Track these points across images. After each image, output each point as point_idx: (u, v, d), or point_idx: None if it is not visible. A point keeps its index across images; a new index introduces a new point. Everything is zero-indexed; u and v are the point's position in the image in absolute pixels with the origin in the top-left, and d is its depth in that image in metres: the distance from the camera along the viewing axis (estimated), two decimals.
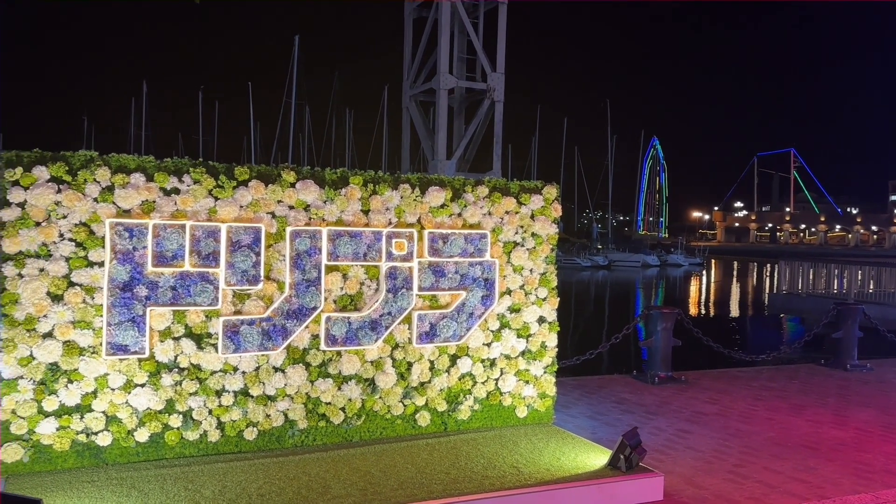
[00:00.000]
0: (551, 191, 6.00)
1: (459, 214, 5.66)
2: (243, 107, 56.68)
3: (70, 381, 4.56)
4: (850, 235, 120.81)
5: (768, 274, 58.68)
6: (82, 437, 4.61)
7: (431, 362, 5.62)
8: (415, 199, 5.50)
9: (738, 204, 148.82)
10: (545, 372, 6.01)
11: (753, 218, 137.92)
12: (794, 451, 6.00)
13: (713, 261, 76.87)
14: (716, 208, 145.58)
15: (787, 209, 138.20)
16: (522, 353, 5.93)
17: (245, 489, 4.32)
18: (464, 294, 5.66)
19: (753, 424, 6.83)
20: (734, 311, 32.27)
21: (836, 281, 20.41)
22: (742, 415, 7.18)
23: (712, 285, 50.61)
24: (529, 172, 60.87)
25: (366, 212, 5.36)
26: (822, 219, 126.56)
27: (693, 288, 47.07)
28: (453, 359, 5.69)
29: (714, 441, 6.24)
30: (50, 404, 4.52)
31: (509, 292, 5.86)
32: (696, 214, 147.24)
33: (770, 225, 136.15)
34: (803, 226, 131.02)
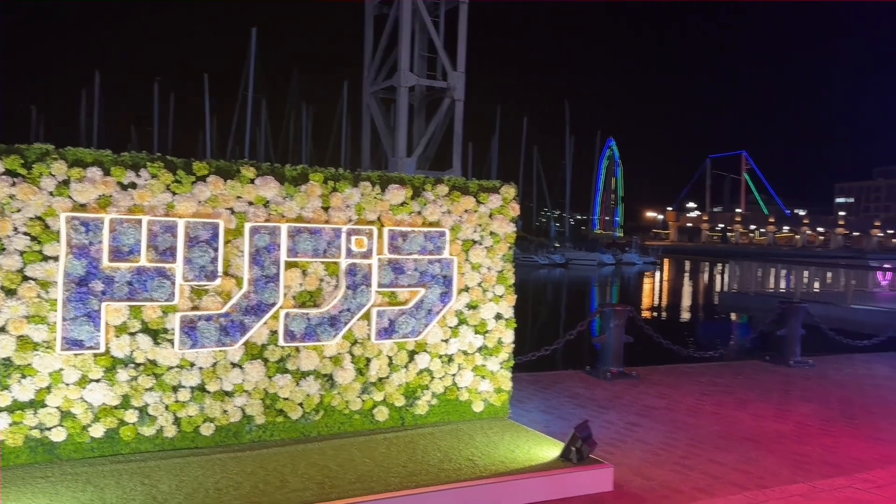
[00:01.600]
0: (509, 190, 6.13)
1: (419, 212, 5.74)
2: (199, 99, 55.72)
3: (24, 377, 4.51)
4: (797, 236, 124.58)
5: (718, 273, 60.17)
6: (36, 433, 4.57)
7: (390, 358, 5.69)
8: (375, 197, 5.56)
9: (691, 204, 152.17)
10: (501, 367, 6.14)
11: (705, 218, 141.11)
12: (738, 443, 6.25)
13: (666, 260, 78.47)
14: (669, 209, 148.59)
15: (738, 210, 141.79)
16: (479, 349, 6.04)
17: (202, 484, 4.34)
18: (423, 291, 5.75)
19: (700, 418, 7.08)
20: (685, 310, 33.06)
21: (782, 280, 21.11)
22: (689, 409, 7.43)
23: (665, 284, 51.68)
24: (489, 172, 61.21)
25: (326, 209, 5.40)
26: (772, 220, 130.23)
27: (646, 286, 48.00)
28: (411, 355, 5.77)
29: (662, 434, 6.46)
30: (2, 400, 4.47)
31: (467, 289, 5.97)
32: (651, 214, 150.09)
33: (721, 225, 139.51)
34: (753, 226, 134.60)
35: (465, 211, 5.93)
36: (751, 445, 6.18)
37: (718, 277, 55.73)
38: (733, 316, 24.56)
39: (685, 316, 30.45)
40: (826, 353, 11.27)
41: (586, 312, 29.75)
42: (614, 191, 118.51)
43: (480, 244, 6.01)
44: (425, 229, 5.75)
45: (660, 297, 39.77)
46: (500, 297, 6.10)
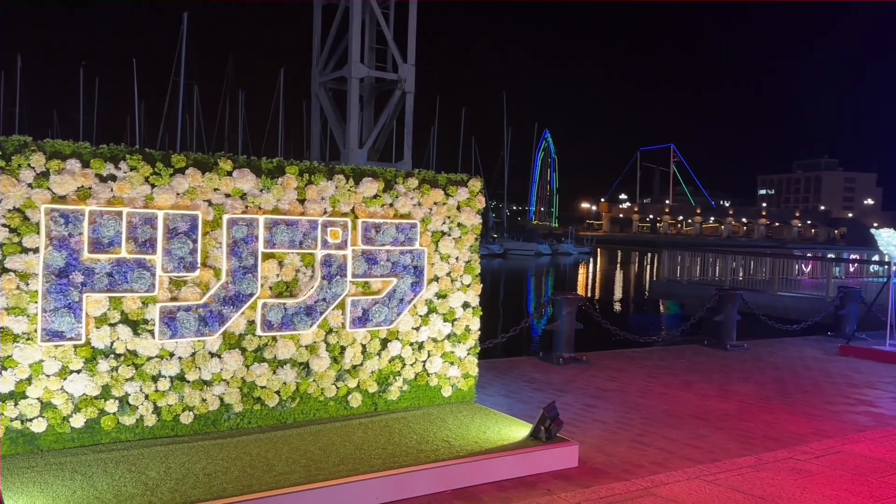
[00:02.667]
0: (476, 183, 6.37)
1: (391, 205, 5.92)
2: (127, 85, 53.84)
3: (4, 368, 4.50)
4: (722, 227, 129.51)
5: (649, 262, 62.18)
6: (16, 424, 4.56)
7: (363, 346, 5.87)
8: (349, 190, 5.71)
9: (623, 196, 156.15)
10: (468, 354, 6.39)
11: (636, 209, 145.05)
12: (687, 421, 6.69)
13: (599, 250, 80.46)
14: (602, 200, 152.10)
15: (667, 201, 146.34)
16: (448, 337, 6.28)
17: (190, 470, 4.44)
18: (395, 281, 5.94)
19: (650, 399, 7.52)
20: (622, 298, 34.12)
21: (711, 269, 22.09)
22: (639, 390, 7.87)
23: (601, 273, 53.06)
24: (428, 162, 61.36)
25: (301, 201, 5.52)
26: (698, 211, 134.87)
27: (585, 276, 49.19)
28: (384, 342, 5.96)
29: (617, 414, 6.85)
30: None
31: (437, 279, 6.19)
32: (585, 205, 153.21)
33: (651, 216, 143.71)
34: (681, 217, 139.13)
35: (435, 203, 6.14)
36: (699, 423, 6.63)
37: (650, 267, 57.61)
38: (668, 303, 25.56)
39: (624, 303, 31.45)
40: (759, 337, 11.99)
41: (526, 301, 30.39)
42: (549, 182, 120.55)
43: (449, 235, 6.24)
44: (397, 221, 5.93)
45: (598, 286, 40.87)
46: (468, 286, 6.35)
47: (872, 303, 11.98)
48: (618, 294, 36.46)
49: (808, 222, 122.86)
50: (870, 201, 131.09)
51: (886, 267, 17.65)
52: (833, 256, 23.95)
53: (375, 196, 5.84)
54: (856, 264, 22.57)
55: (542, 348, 9.99)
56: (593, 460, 5.44)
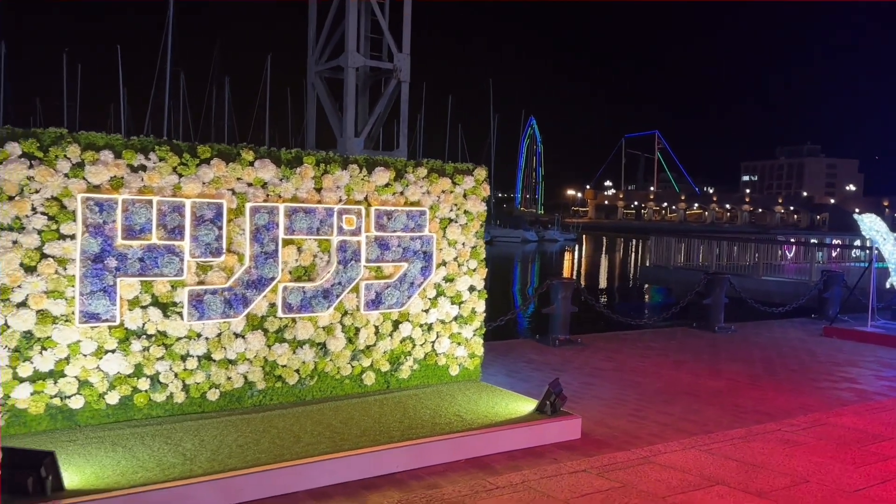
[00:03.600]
0: (481, 172, 6.67)
1: (402, 193, 6.21)
2: (111, 71, 53.40)
3: (44, 349, 4.77)
4: (706, 213, 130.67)
5: (634, 249, 62.82)
6: (56, 401, 4.84)
7: (376, 327, 6.17)
8: (362, 179, 5.99)
9: (608, 183, 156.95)
10: (474, 334, 6.72)
11: (621, 196, 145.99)
12: (680, 397, 7.07)
13: (585, 237, 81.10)
14: (588, 186, 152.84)
15: (652, 188, 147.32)
16: (455, 318, 6.60)
17: (223, 441, 4.74)
18: (405, 265, 6.24)
19: (644, 377, 7.89)
20: (610, 283, 34.64)
21: (696, 255, 22.56)
22: (633, 370, 8.25)
23: (588, 259, 53.60)
24: (416, 150, 61.42)
25: (318, 189, 5.80)
26: (682, 197, 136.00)
27: (571, 262, 49.70)
28: (396, 324, 6.27)
29: (614, 391, 7.21)
30: (24, 370, 4.71)
31: (444, 264, 6.50)
32: (570, 192, 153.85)
33: (636, 203, 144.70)
34: (665, 203, 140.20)
35: (443, 191, 6.44)
36: (692, 399, 7.01)
37: (635, 253, 58.24)
38: (655, 288, 26.07)
39: (613, 288, 31.96)
40: (745, 319, 12.42)
41: (520, 286, 30.80)
42: (535, 169, 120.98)
43: (456, 222, 6.55)
44: (407, 209, 6.23)
45: (586, 272, 41.37)
46: (474, 270, 6.67)
47: (854, 286, 12.44)
48: (606, 279, 36.97)
49: (791, 208, 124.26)
50: (851, 187, 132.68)
51: (868, 251, 18.18)
52: (816, 241, 24.51)
53: (387, 185, 6.12)
54: (838, 249, 23.11)
55: (538, 331, 10.35)
56: (595, 433, 5.80)
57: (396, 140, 15.83)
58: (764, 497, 4.49)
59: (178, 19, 51.06)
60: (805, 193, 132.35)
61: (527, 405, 5.87)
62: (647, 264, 24.32)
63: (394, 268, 6.22)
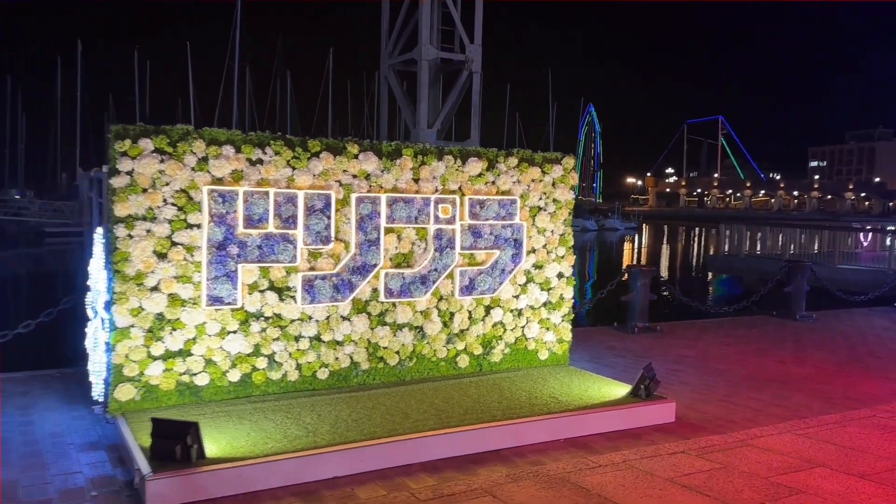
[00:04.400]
0: (569, 161, 6.83)
1: (493, 182, 6.43)
2: (178, 67, 55.11)
3: (174, 329, 5.17)
4: (773, 200, 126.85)
5: (697, 237, 61.60)
6: (185, 378, 5.24)
7: (470, 312, 6.42)
8: (457, 169, 6.23)
9: (669, 170, 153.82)
10: (563, 320, 6.90)
11: (683, 183, 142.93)
12: (768, 384, 7.10)
13: (646, 225, 79.89)
14: (648, 174, 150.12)
15: (715, 175, 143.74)
16: (544, 304, 6.79)
17: (338, 416, 5.07)
18: (497, 253, 6.46)
19: (729, 364, 7.93)
20: (676, 271, 34.18)
21: (766, 243, 22.08)
22: (718, 357, 8.29)
23: (649, 248, 52.87)
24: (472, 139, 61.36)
25: (416, 180, 6.06)
26: (748, 184, 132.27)
27: (636, 251, 49.13)
28: (487, 309, 6.50)
29: (701, 378, 7.29)
30: (157, 349, 5.13)
31: (534, 251, 6.69)
32: (630, 180, 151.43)
33: (699, 190, 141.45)
34: (730, 191, 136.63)
35: (532, 180, 6.62)
36: (780, 386, 7.04)
37: (699, 241, 57.13)
38: (725, 276, 25.64)
39: (679, 277, 31.56)
40: (824, 308, 12.22)
41: (590, 275, 30.71)
42: (594, 157, 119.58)
43: (545, 210, 6.72)
44: (499, 197, 6.44)
45: (647, 261, 40.86)
46: (562, 257, 6.84)
47: None
48: (673, 269, 36.47)
49: (863, 194, 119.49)
50: None
51: None
52: (893, 228, 23.67)
53: (479, 174, 6.34)
54: None
55: (606, 320, 10.42)
56: (688, 417, 5.92)
57: (454, 131, 16.00)
58: (866, 479, 4.56)
59: (244, 17, 52.29)
60: (877, 179, 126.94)
61: (618, 389, 6.03)
62: (716, 252, 23.97)
63: (486, 255, 6.44)
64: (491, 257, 6.46)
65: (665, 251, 49.93)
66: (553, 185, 6.75)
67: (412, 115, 14.82)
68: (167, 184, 5.10)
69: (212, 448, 4.38)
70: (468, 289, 6.36)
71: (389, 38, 15.35)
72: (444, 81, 16.05)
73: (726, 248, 23.00)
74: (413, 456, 4.69)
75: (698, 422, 5.81)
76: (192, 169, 5.17)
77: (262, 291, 5.46)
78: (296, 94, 59.31)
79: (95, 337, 5.57)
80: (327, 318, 5.74)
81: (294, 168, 5.51)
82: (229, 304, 5.31)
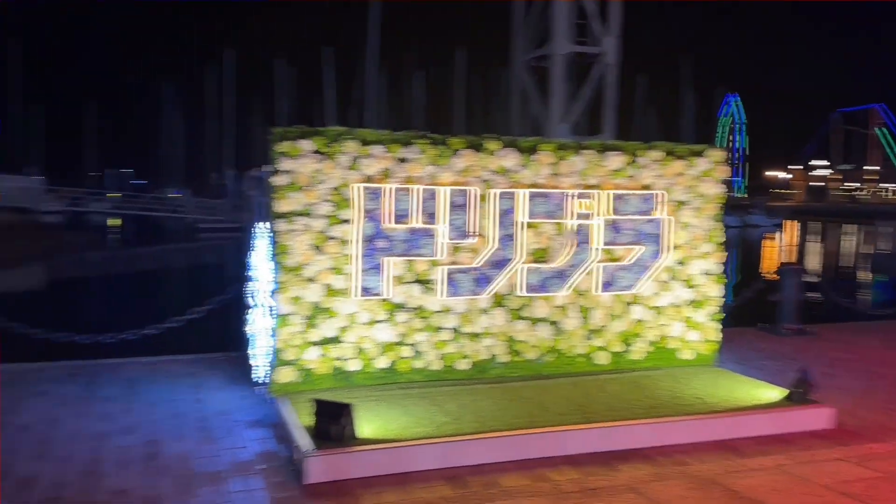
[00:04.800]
0: (717, 153, 6.59)
1: (633, 177, 6.33)
2: (312, 71, 57.54)
3: (328, 318, 5.52)
4: None
5: (850, 234, 56.97)
6: (338, 363, 5.58)
7: (609, 308, 6.37)
8: (596, 164, 6.19)
9: (817, 162, 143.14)
10: (709, 319, 6.68)
11: (837, 177, 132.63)
12: None
13: (793, 222, 74.84)
14: (792, 167, 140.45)
15: (871, 168, 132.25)
16: (688, 302, 6.61)
17: (480, 406, 5.21)
18: (637, 248, 6.36)
19: (890, 369, 7.36)
20: (831, 271, 31.88)
21: None
22: (879, 361, 7.71)
23: (794, 247, 49.58)
24: (600, 132, 60.07)
25: (555, 175, 6.09)
26: None
27: (776, 250, 46.27)
28: (627, 306, 6.42)
29: (859, 382, 6.82)
30: (314, 335, 5.49)
31: (677, 247, 6.52)
32: (773, 173, 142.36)
33: (852, 184, 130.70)
34: (887, 185, 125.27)
35: (675, 174, 6.46)
36: None
37: (855, 239, 52.85)
38: (887, 277, 23.64)
39: (835, 277, 29.45)
40: None
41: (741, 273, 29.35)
42: (736, 150, 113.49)
43: (689, 205, 6.53)
44: (640, 192, 6.34)
45: (800, 260, 38.36)
46: (709, 254, 6.62)
47: None
48: (824, 267, 34.05)
49: None
50: None
51: None
52: None
53: (620, 169, 6.27)
54: None
55: (749, 321, 9.86)
56: (846, 424, 5.56)
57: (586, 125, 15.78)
58: None
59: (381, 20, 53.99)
60: None
61: (768, 392, 5.77)
62: (880, 251, 22.14)
63: (626, 251, 6.36)
64: (631, 253, 6.37)
65: (813, 248, 46.62)
66: (699, 178, 6.55)
67: (545, 111, 14.78)
68: (322, 182, 5.44)
69: (365, 429, 4.64)
70: (607, 285, 6.31)
71: (523, 35, 15.38)
72: (577, 76, 15.87)
73: (886, 246, 21.20)
74: (554, 448, 4.74)
75: (856, 429, 5.45)
76: (345, 168, 5.48)
77: (407, 283, 5.70)
78: (428, 92, 60.52)
79: (258, 323, 6.03)
80: (467, 310, 5.90)
81: (437, 165, 5.71)
82: (378, 294, 5.59)
